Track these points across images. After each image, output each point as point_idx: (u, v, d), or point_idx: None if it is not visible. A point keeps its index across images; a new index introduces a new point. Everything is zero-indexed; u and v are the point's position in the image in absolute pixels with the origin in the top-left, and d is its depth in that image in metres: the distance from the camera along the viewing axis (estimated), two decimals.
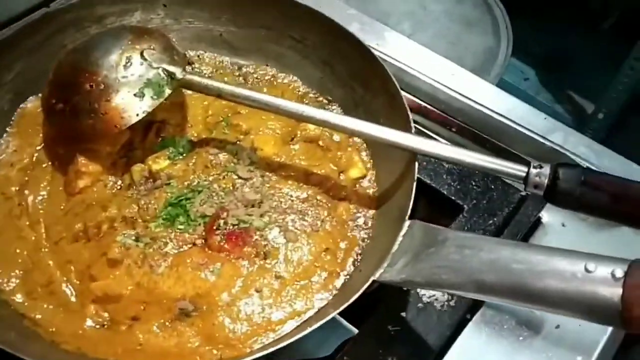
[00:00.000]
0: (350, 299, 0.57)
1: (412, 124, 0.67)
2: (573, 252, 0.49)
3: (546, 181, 0.60)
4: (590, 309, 0.46)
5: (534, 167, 0.61)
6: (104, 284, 0.63)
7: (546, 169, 0.61)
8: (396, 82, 0.70)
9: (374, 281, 0.57)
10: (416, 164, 0.65)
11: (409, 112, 0.68)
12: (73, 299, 0.63)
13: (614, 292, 0.44)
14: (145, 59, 0.68)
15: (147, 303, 0.62)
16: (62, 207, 0.69)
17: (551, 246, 0.52)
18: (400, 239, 0.59)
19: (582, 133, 1.65)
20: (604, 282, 0.45)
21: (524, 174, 0.61)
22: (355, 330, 0.69)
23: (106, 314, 0.62)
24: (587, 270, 0.46)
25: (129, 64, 0.67)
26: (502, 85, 1.71)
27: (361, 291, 0.56)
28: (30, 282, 0.64)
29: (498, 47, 1.37)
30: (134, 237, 0.66)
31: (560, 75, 1.72)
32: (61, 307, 0.63)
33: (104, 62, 0.67)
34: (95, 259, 0.65)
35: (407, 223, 0.60)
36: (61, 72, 0.70)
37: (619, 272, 0.45)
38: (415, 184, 0.63)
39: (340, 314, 0.56)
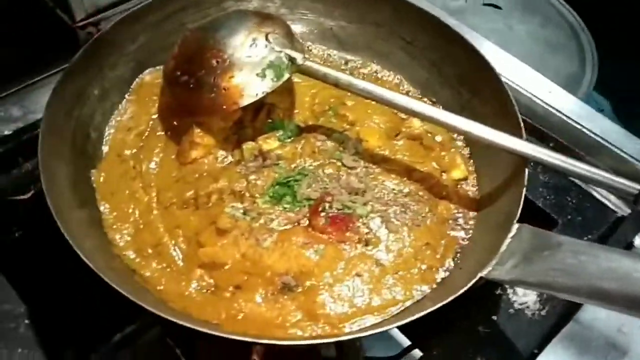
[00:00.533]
0: (454, 294, 0.57)
1: (524, 132, 0.68)
2: None
3: None
4: None
5: None
6: (212, 250, 0.65)
7: None
8: (509, 90, 0.71)
9: (481, 277, 0.58)
10: (526, 170, 0.65)
11: (521, 120, 0.69)
12: (180, 262, 0.66)
13: None
14: (270, 42, 0.70)
15: (250, 274, 0.64)
16: (173, 175, 0.72)
17: None
18: (508, 240, 0.60)
19: None
20: None
21: (636, 192, 0.62)
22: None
23: (211, 280, 0.64)
24: None
25: (254, 44, 0.70)
26: None
27: (468, 286, 0.57)
28: (140, 241, 0.67)
29: (583, 73, 1.37)
30: (242, 211, 0.68)
31: (635, 113, 1.69)
32: (169, 268, 0.65)
33: (231, 41, 0.70)
34: (204, 226, 0.67)
35: (516, 226, 0.61)
36: (188, 47, 0.73)
37: None
38: (524, 189, 0.64)
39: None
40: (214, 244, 0.65)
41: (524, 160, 0.66)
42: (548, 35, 1.43)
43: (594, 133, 0.87)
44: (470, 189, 0.73)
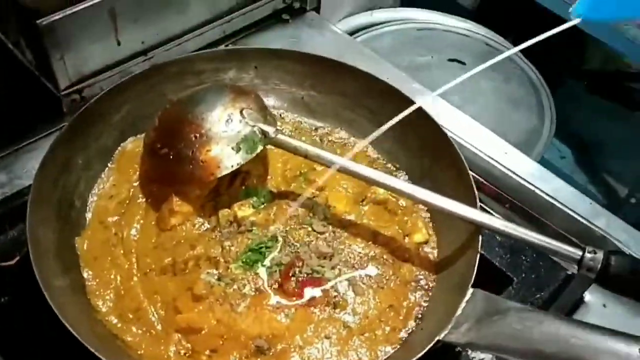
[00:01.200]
0: (415, 357, 0.63)
1: (478, 200, 0.74)
2: (628, 335, 0.55)
3: (599, 266, 0.67)
4: None
5: (589, 252, 0.67)
6: (188, 316, 0.69)
7: (600, 255, 0.67)
8: (465, 162, 0.78)
9: (438, 340, 0.63)
10: (480, 237, 0.71)
11: (475, 190, 0.75)
12: (159, 327, 0.70)
13: None
14: (244, 117, 0.76)
15: (225, 338, 0.68)
16: (153, 241, 0.76)
17: (606, 327, 0.58)
18: (463, 304, 0.65)
19: (614, 213, 1.71)
20: None
21: (579, 257, 0.68)
22: None
23: (189, 344, 0.68)
24: None
25: (230, 120, 0.76)
26: (540, 161, 1.79)
27: (427, 349, 0.62)
28: (121, 306, 0.71)
29: (542, 127, 1.45)
30: (216, 277, 0.72)
31: (595, 158, 1.79)
32: (148, 333, 0.69)
33: (209, 116, 0.75)
34: (181, 292, 0.71)
35: (471, 291, 0.67)
36: (167, 120, 0.78)
37: None
38: (478, 256, 0.70)
39: None
40: (190, 309, 0.70)
41: (477, 228, 0.72)
42: (510, 90, 1.51)
43: (546, 194, 0.93)
44: (431, 252, 0.79)
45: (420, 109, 0.83)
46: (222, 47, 1.02)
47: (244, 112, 0.76)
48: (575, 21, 0.46)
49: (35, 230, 0.70)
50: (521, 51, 1.60)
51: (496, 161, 0.96)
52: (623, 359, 0.53)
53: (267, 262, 0.74)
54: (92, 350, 0.59)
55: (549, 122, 1.46)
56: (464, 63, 1.56)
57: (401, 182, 0.75)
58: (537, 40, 0.72)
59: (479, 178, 0.95)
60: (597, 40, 1.57)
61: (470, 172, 0.95)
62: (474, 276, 0.68)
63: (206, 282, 0.71)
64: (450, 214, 0.71)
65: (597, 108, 1.82)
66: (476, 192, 0.75)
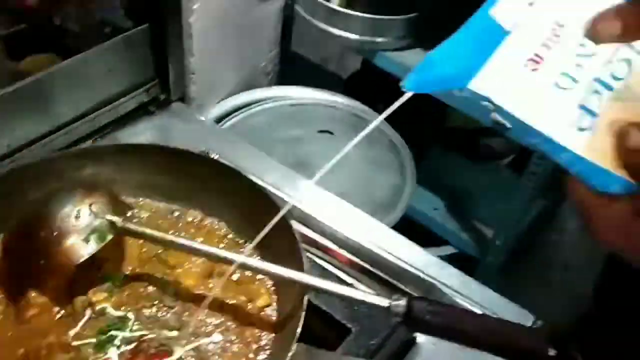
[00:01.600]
0: None
1: (306, 262, 0.86)
2: None
3: (403, 311, 0.79)
4: None
5: (394, 300, 0.79)
6: None
7: (403, 302, 0.79)
8: (296, 235, 0.89)
9: None
10: (306, 296, 0.82)
11: (303, 256, 0.87)
12: None
13: None
14: (92, 211, 0.85)
15: None
16: (9, 334, 0.82)
17: None
18: (288, 358, 0.76)
19: (483, 256, 1.88)
20: None
21: (387, 305, 0.80)
22: None
23: None
24: None
25: (79, 215, 0.84)
26: (415, 213, 1.96)
27: None
28: None
29: (404, 184, 1.61)
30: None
31: (464, 206, 1.97)
32: None
33: (59, 215, 0.84)
34: None
35: (295, 346, 0.77)
36: (23, 221, 0.86)
37: None
38: (304, 313, 0.81)
39: None
40: None
41: (302, 288, 0.83)
42: (374, 154, 1.67)
43: (384, 250, 1.07)
44: (272, 314, 0.89)
45: (257, 186, 0.96)
46: (82, 145, 1.11)
47: (92, 206, 0.85)
48: (408, 94, 0.53)
49: None
50: (385, 118, 1.79)
51: (354, 232, 1.09)
52: None
53: (117, 341, 0.81)
54: None
55: (410, 180, 1.63)
56: (332, 133, 1.72)
57: (241, 257, 0.85)
58: (390, 111, 0.85)
59: (330, 244, 1.08)
60: (450, 105, 1.78)
61: (320, 236, 1.09)
62: (299, 331, 0.78)
63: None
64: (280, 278, 0.82)
65: (461, 162, 2.03)
66: (303, 257, 0.86)
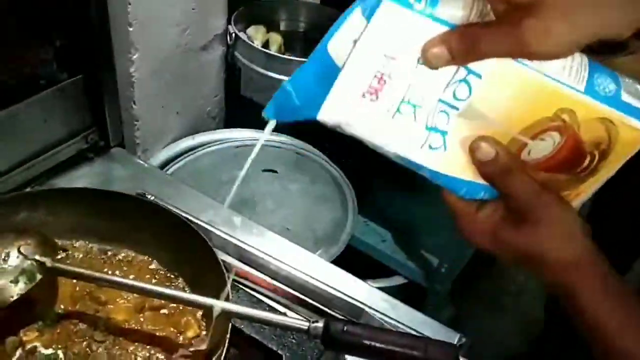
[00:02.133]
0: None
1: (230, 293, 0.90)
2: None
3: (321, 331, 0.83)
4: None
5: (312, 322, 0.84)
6: None
7: (320, 324, 0.83)
8: (223, 267, 0.93)
9: None
10: (230, 323, 0.86)
11: (228, 286, 0.91)
12: None
13: None
14: (21, 253, 0.88)
15: None
16: None
17: None
18: None
19: (431, 284, 1.93)
20: None
21: (306, 328, 0.84)
22: None
23: None
24: None
25: (7, 257, 0.87)
26: (362, 246, 2.01)
27: None
28: None
29: (346, 218, 1.67)
30: None
31: (410, 237, 2.04)
32: None
33: None
34: None
35: None
36: None
37: None
38: (228, 336, 0.84)
39: None
40: None
41: (227, 317, 0.86)
42: (317, 189, 1.73)
43: (315, 279, 1.11)
44: (201, 343, 0.92)
45: (184, 222, 1.00)
46: (15, 192, 1.14)
47: (21, 248, 0.89)
48: (271, 123, 0.55)
49: None
50: (327, 155, 1.86)
51: (273, 257, 1.14)
52: None
53: None
54: None
55: (352, 213, 1.68)
56: (276, 171, 1.78)
57: (170, 291, 0.88)
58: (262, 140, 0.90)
59: (263, 276, 1.12)
60: None
61: (256, 271, 1.13)
62: (223, 356, 0.82)
63: None
64: (206, 306, 0.86)
65: (403, 194, 2.10)
66: (228, 286, 0.90)
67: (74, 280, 0.97)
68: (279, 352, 0.98)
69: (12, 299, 0.86)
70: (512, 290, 2.67)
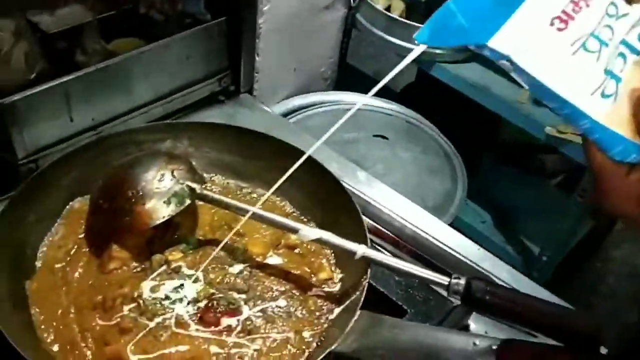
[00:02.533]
0: None
1: (369, 240, 0.90)
2: (468, 333, 0.69)
3: (462, 289, 0.82)
4: None
5: (454, 279, 0.82)
6: (115, 348, 0.80)
7: (462, 280, 0.82)
8: (360, 212, 0.94)
9: (330, 352, 0.77)
10: (369, 270, 0.86)
11: (367, 232, 0.91)
12: (90, 355, 0.81)
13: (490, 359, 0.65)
14: (174, 176, 0.91)
15: None
16: (90, 282, 0.89)
17: (455, 329, 0.72)
18: (352, 323, 0.79)
19: (529, 273, 1.89)
20: (485, 352, 0.66)
21: (446, 283, 0.83)
22: None
23: None
24: (474, 344, 0.67)
25: (162, 179, 0.91)
26: (462, 225, 1.98)
27: (320, 357, 0.76)
28: (60, 338, 0.82)
29: (455, 191, 1.64)
30: (142, 312, 0.84)
31: (511, 221, 1.98)
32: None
33: (144, 176, 0.90)
34: (108, 327, 0.83)
35: (359, 312, 0.81)
36: (110, 181, 0.93)
37: (494, 346, 0.65)
38: (367, 284, 0.85)
39: None
40: (117, 341, 0.81)
41: (366, 262, 0.87)
42: (427, 160, 1.71)
43: (440, 242, 1.10)
44: (334, 286, 0.93)
45: (322, 167, 1.01)
46: (163, 121, 1.19)
47: (174, 172, 0.92)
48: (421, 47, 0.49)
49: None
50: (438, 127, 1.83)
51: (399, 215, 1.13)
52: (461, 349, 0.67)
53: (186, 299, 0.87)
54: None
55: (461, 187, 1.65)
56: (387, 138, 1.77)
57: (305, 227, 0.89)
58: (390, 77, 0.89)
59: (385, 230, 1.12)
60: (504, 119, 1.80)
61: (377, 225, 1.13)
62: (362, 300, 0.82)
63: (131, 317, 0.83)
64: (345, 251, 0.86)
65: (512, 177, 2.05)
66: (367, 232, 0.91)
67: (213, 211, 1.00)
68: (404, 307, 0.98)
69: (163, 219, 0.89)
70: (601, 291, 2.57)
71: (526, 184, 2.01)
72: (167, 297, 0.87)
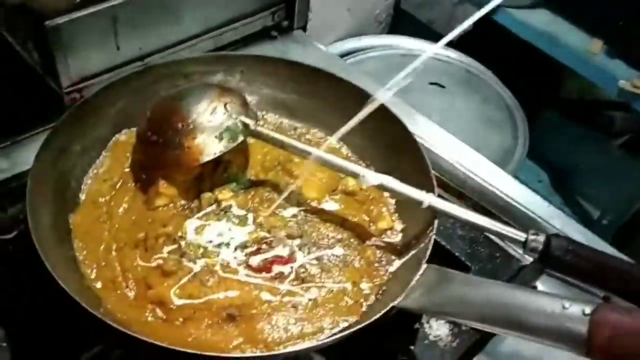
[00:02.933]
0: (369, 320, 0.69)
1: (436, 190, 0.82)
2: (555, 294, 0.61)
3: (540, 247, 0.74)
4: (564, 337, 0.58)
5: (532, 235, 0.74)
6: (158, 292, 0.75)
7: (541, 237, 0.74)
8: (428, 160, 0.85)
9: (393, 307, 0.70)
10: (436, 221, 0.79)
11: (434, 181, 0.83)
12: (133, 297, 0.76)
13: (583, 325, 0.57)
14: (227, 110, 0.84)
15: (197, 309, 0.74)
16: (133, 218, 0.83)
17: (539, 290, 0.65)
18: (417, 277, 0.72)
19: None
20: (576, 317, 0.58)
21: (523, 239, 0.75)
22: None
23: (162, 314, 0.74)
24: (564, 307, 0.59)
25: (214, 112, 0.84)
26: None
27: (381, 314, 0.69)
28: (103, 276, 0.77)
29: (515, 148, 1.54)
30: (182, 254, 0.79)
31: (571, 182, 1.87)
32: (126, 302, 0.75)
33: (196, 108, 0.84)
34: (150, 269, 0.77)
35: (424, 266, 0.74)
36: (159, 112, 0.86)
37: (588, 310, 0.57)
38: (433, 236, 0.77)
39: None
40: (160, 284, 0.76)
41: (433, 213, 0.79)
42: (486, 112, 1.61)
43: (507, 195, 1.01)
44: (394, 237, 0.86)
45: (387, 110, 0.92)
46: (215, 52, 1.11)
47: (227, 105, 0.85)
48: None
49: (34, 206, 0.76)
50: (499, 78, 1.71)
51: (461, 165, 1.05)
52: (549, 313, 0.59)
53: (237, 242, 0.80)
54: (84, 305, 0.65)
55: (522, 143, 1.55)
56: (443, 86, 1.66)
57: (366, 170, 0.82)
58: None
59: (445, 179, 1.04)
60: (573, 70, 1.67)
61: (438, 174, 1.04)
62: (428, 253, 0.75)
63: (174, 260, 0.78)
64: (410, 199, 0.79)
65: (573, 135, 1.92)
66: (434, 181, 0.83)
67: (265, 150, 0.93)
68: (467, 263, 0.91)
69: (214, 155, 0.83)
70: None
71: (589, 142, 1.88)
72: (212, 241, 0.81)
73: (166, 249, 0.80)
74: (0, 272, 0.82)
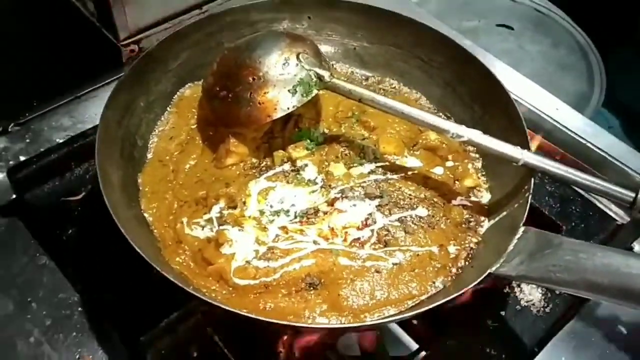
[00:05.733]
0: (464, 289, 0.64)
1: (530, 145, 0.75)
2: None
3: None
4: None
5: None
6: (218, 268, 0.70)
7: None
8: (521, 114, 0.78)
9: (490, 274, 0.64)
10: (532, 179, 0.72)
11: (528, 135, 0.76)
12: (195, 268, 0.72)
13: None
14: (300, 61, 0.78)
15: (270, 285, 0.70)
16: (198, 175, 0.79)
17: None
18: (515, 241, 0.66)
19: None
20: None
21: (631, 199, 0.68)
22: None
23: (230, 288, 0.70)
24: None
25: (286, 64, 0.77)
26: None
27: (478, 281, 0.64)
28: (168, 237, 0.74)
29: (591, 93, 1.43)
30: (235, 220, 0.74)
31: None
32: (190, 269, 0.72)
33: (266, 60, 0.77)
34: (206, 243, 0.73)
35: (522, 229, 0.68)
36: (226, 65, 0.80)
37: None
38: (530, 196, 0.71)
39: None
40: (217, 257, 0.71)
41: (529, 170, 0.72)
42: (558, 55, 1.49)
43: (598, 148, 0.93)
44: (482, 196, 0.80)
45: (472, 56, 0.84)
46: None
47: (300, 56, 0.78)
48: None
49: (103, 166, 0.72)
50: (571, 16, 1.58)
51: (548, 116, 0.97)
52: None
53: (303, 207, 0.75)
54: (161, 271, 0.62)
55: (599, 88, 1.44)
56: (512, 28, 1.55)
57: (454, 125, 0.74)
58: None
59: (529, 131, 0.96)
60: None
61: None
62: (525, 215, 0.69)
63: (230, 236, 0.72)
64: (503, 157, 0.72)
65: None
66: (528, 136, 0.75)
67: (338, 100, 0.86)
68: (558, 222, 0.84)
69: (288, 110, 0.77)
70: None
71: None
72: (273, 206, 0.76)
73: (225, 212, 0.75)
74: (72, 234, 0.80)
